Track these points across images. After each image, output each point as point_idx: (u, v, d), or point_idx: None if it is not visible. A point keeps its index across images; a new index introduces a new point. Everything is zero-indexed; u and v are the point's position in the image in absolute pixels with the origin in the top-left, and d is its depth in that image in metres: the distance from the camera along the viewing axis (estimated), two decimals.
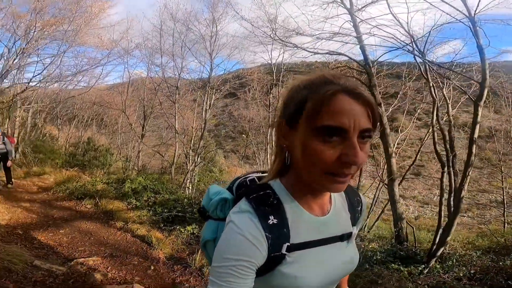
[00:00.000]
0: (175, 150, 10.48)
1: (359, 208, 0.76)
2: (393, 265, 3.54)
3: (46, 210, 4.51)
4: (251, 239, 0.53)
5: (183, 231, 3.79)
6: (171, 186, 8.70)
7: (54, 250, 3.05)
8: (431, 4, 3.81)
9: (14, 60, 8.32)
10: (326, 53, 6.25)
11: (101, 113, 15.48)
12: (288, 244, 0.57)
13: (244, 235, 0.53)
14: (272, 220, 0.56)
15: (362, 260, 3.57)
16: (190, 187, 8.89)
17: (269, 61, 10.33)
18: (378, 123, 0.56)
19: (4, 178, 6.03)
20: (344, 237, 0.68)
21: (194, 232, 3.79)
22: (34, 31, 7.96)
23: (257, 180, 0.66)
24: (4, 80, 8.44)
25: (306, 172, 0.56)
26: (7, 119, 10.31)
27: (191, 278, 2.75)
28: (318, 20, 5.93)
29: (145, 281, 2.62)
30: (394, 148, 6.99)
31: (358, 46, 5.53)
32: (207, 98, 9.71)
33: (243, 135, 13.65)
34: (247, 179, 0.67)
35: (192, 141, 10.25)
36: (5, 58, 8.29)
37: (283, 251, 0.56)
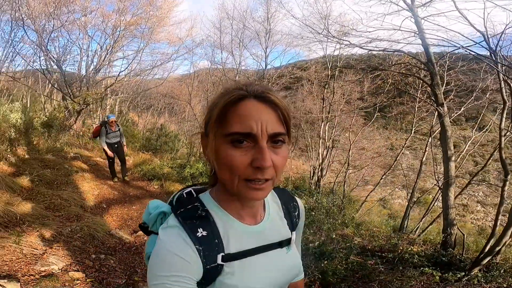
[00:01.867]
0: None
1: (296, 213, 0.76)
2: (426, 269, 3.46)
3: (124, 188, 5.68)
4: (181, 254, 0.53)
5: None
6: None
7: (126, 223, 3.97)
8: None
9: (105, 56, 10.04)
10: (383, 51, 6.11)
11: (171, 102, 17.34)
12: (223, 254, 0.58)
13: (172, 250, 0.53)
14: (201, 232, 0.56)
15: (397, 261, 3.67)
16: None
17: (324, 56, 10.32)
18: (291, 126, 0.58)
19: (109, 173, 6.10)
20: (283, 244, 0.69)
21: None
22: (119, 30, 9.48)
23: (193, 192, 0.66)
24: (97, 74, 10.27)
25: (225, 181, 0.56)
26: (100, 108, 12.49)
27: None
28: (372, 18, 5.85)
29: None
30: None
31: (419, 44, 5.27)
32: None
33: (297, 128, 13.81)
34: (184, 192, 0.66)
35: None
36: (98, 54, 10.07)
37: (219, 261, 0.57)
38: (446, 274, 3.33)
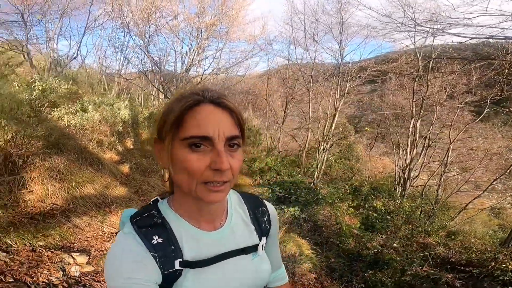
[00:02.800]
0: (307, 136, 11.21)
1: (265, 219, 0.75)
2: None
3: None
4: (135, 259, 0.54)
5: (286, 211, 4.41)
6: (298, 170, 9.54)
7: None
8: None
9: (193, 56, 11.19)
10: (488, 38, 5.00)
11: (253, 98, 18.13)
12: (181, 260, 0.58)
13: (127, 256, 0.54)
14: (156, 239, 0.57)
15: (483, 278, 3.05)
16: (316, 173, 9.40)
17: (414, 47, 9.09)
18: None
19: None
20: (248, 250, 0.67)
21: (295, 214, 4.33)
22: (202, 32, 10.39)
23: (160, 200, 0.67)
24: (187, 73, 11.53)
25: (182, 185, 0.56)
26: None
27: None
28: (466, 3, 4.81)
29: None
30: None
31: None
32: (338, 87, 9.79)
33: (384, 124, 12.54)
34: (151, 200, 0.67)
35: (325, 127, 10.67)
36: (188, 55, 11.28)
37: (177, 267, 0.58)
38: None
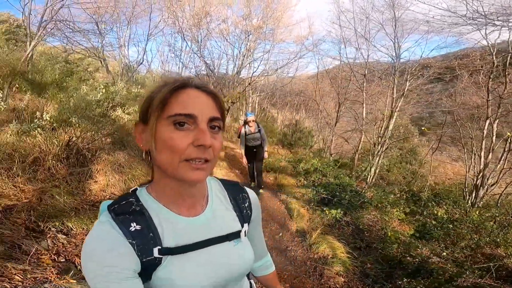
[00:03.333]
0: (360, 138, 10.66)
1: (246, 205, 0.75)
2: None
3: (245, 177, 6.47)
4: (112, 248, 0.53)
5: (327, 213, 4.32)
6: (348, 173, 9.16)
7: None
8: None
9: (242, 59, 11.57)
10: None
11: (306, 99, 17.92)
12: (160, 247, 0.58)
13: (103, 245, 0.54)
14: (134, 226, 0.57)
15: None
16: (369, 176, 8.89)
17: (485, 43, 8.04)
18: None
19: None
20: (231, 237, 0.68)
21: (337, 216, 4.21)
22: (249, 35, 10.69)
23: (137, 189, 0.66)
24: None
25: (164, 164, 0.57)
26: (244, 104, 14.54)
27: (298, 250, 3.29)
28: None
29: (268, 242, 3.46)
30: None
31: None
32: (395, 86, 9.15)
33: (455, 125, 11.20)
34: (131, 190, 0.67)
35: (381, 129, 10.03)
36: (238, 58, 11.71)
37: (156, 254, 0.57)
38: None
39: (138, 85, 8.14)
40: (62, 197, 2.54)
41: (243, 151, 5.07)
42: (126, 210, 0.58)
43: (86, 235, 2.38)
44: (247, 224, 0.73)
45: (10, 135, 2.70)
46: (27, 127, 2.78)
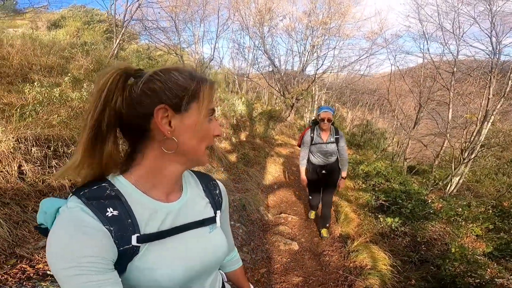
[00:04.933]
0: (443, 143, 9.32)
1: (217, 192, 0.79)
2: None
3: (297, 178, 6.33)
4: (88, 232, 0.50)
5: (382, 220, 3.93)
6: (422, 180, 8.11)
7: (279, 204, 4.45)
8: None
9: (308, 55, 11.29)
10: None
11: (381, 99, 16.51)
12: (139, 235, 0.56)
13: (77, 230, 0.49)
14: (111, 212, 0.54)
15: None
16: (450, 185, 7.74)
17: None
18: None
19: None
20: (206, 222, 0.69)
21: (393, 226, 3.80)
22: (314, 31, 10.34)
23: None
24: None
25: (192, 150, 0.62)
26: (311, 102, 14.20)
27: (334, 255, 3.10)
28: None
29: (305, 243, 3.32)
30: None
31: None
32: (491, 85, 7.76)
33: None
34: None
35: (472, 134, 8.61)
36: (304, 54, 11.48)
37: (134, 243, 0.55)
38: None
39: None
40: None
41: (303, 169, 3.35)
42: (100, 195, 0.55)
43: None
44: (219, 211, 0.75)
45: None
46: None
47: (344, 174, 3.36)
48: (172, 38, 10.65)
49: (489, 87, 8.22)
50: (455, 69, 8.85)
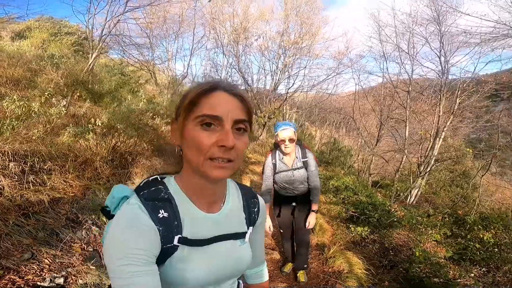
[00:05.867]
0: (402, 158, 10.12)
1: (255, 209, 0.80)
2: None
3: None
4: (143, 229, 0.56)
5: (352, 230, 4.20)
6: (385, 193, 8.70)
7: None
8: None
9: (279, 74, 11.86)
10: None
11: (347, 117, 17.54)
12: (180, 236, 0.62)
13: (134, 225, 0.56)
14: (162, 213, 0.60)
15: None
16: (409, 197, 8.39)
17: None
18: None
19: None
20: (238, 236, 0.72)
21: (362, 234, 4.08)
22: (286, 50, 10.98)
23: (159, 179, 0.69)
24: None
25: (191, 160, 0.61)
26: (282, 119, 14.68)
27: (314, 262, 3.22)
28: None
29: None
30: None
31: None
32: (440, 103, 8.65)
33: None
34: (150, 178, 0.69)
35: (426, 150, 9.46)
36: (276, 73, 12.04)
37: (175, 242, 0.61)
38: None
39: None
40: (101, 193, 2.92)
41: (267, 205, 2.44)
42: (156, 197, 0.62)
43: None
44: (251, 227, 0.78)
45: (67, 137, 3.21)
46: (81, 131, 3.28)
47: (315, 207, 2.50)
48: (146, 54, 10.65)
49: (439, 105, 9.09)
50: (410, 88, 9.71)
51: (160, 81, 11.59)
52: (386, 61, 10.40)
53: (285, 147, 2.40)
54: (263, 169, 2.62)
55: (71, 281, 1.89)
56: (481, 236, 4.77)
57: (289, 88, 11.50)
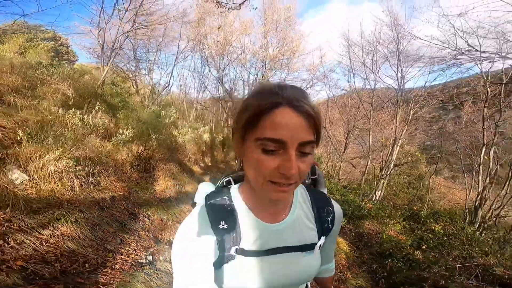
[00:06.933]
0: (367, 164, 11.46)
1: (329, 219, 0.74)
2: None
3: None
4: (202, 239, 0.61)
5: None
6: (355, 193, 9.92)
7: None
8: None
9: None
10: None
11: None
12: (238, 247, 0.64)
13: (195, 234, 0.62)
14: (223, 225, 0.63)
15: None
16: (375, 198, 9.65)
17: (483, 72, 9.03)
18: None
19: None
20: (305, 248, 0.69)
21: (342, 224, 5.08)
22: (265, 64, 11.97)
23: (232, 181, 0.73)
24: None
25: (251, 179, 0.60)
26: None
27: None
28: None
29: None
30: None
31: None
32: (397, 114, 10.09)
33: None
34: (224, 180, 0.73)
35: (387, 156, 10.85)
36: (254, 85, 12.92)
37: (232, 252, 0.63)
38: None
39: (171, 109, 9.28)
40: (142, 193, 3.53)
41: None
42: (220, 207, 0.66)
43: (160, 220, 3.35)
44: (324, 237, 0.73)
45: (112, 145, 3.74)
46: (120, 140, 3.83)
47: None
48: (129, 64, 10.90)
49: (396, 115, 10.54)
50: (373, 100, 11.13)
51: (141, 91, 11.84)
52: (353, 76, 11.76)
53: None
54: None
55: (156, 258, 2.55)
56: (433, 228, 5.97)
57: None
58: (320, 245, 0.72)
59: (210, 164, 8.19)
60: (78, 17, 12.10)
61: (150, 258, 2.49)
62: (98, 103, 4.68)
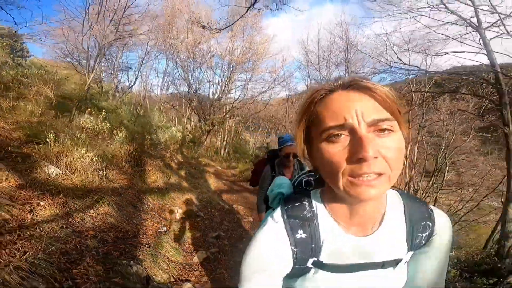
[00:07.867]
0: None
1: (424, 234, 0.64)
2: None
3: (231, 185, 8.34)
4: (277, 249, 0.57)
5: None
6: None
7: (228, 203, 6.40)
8: None
9: (224, 86, 13.62)
10: (452, 74, 6.82)
11: (277, 124, 20.33)
12: (315, 259, 0.59)
13: (270, 244, 0.58)
14: (301, 234, 0.58)
15: None
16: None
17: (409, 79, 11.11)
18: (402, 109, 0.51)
19: None
20: (387, 265, 0.61)
21: None
22: (231, 66, 12.92)
23: (312, 182, 0.67)
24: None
25: (330, 182, 0.53)
26: (221, 128, 16.45)
27: None
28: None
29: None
30: None
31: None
32: None
33: None
34: (303, 180, 0.68)
35: None
36: (220, 85, 13.75)
37: (309, 265, 0.59)
38: (481, 279, 3.76)
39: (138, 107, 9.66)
40: (141, 183, 4.27)
41: (263, 215, 2.54)
42: (298, 215, 0.60)
43: (159, 204, 4.15)
44: (412, 252, 0.64)
45: (115, 144, 4.38)
46: (116, 141, 4.48)
47: None
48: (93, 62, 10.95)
49: None
50: None
51: (104, 89, 11.90)
52: (309, 80, 13.45)
53: (289, 161, 2.50)
54: (254, 179, 2.86)
55: (167, 229, 3.39)
56: None
57: (235, 101, 13.34)
58: (406, 261, 0.64)
59: (182, 160, 8.88)
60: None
61: (164, 228, 3.35)
62: (88, 107, 5.20)
